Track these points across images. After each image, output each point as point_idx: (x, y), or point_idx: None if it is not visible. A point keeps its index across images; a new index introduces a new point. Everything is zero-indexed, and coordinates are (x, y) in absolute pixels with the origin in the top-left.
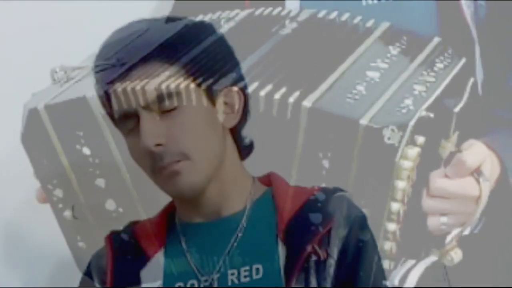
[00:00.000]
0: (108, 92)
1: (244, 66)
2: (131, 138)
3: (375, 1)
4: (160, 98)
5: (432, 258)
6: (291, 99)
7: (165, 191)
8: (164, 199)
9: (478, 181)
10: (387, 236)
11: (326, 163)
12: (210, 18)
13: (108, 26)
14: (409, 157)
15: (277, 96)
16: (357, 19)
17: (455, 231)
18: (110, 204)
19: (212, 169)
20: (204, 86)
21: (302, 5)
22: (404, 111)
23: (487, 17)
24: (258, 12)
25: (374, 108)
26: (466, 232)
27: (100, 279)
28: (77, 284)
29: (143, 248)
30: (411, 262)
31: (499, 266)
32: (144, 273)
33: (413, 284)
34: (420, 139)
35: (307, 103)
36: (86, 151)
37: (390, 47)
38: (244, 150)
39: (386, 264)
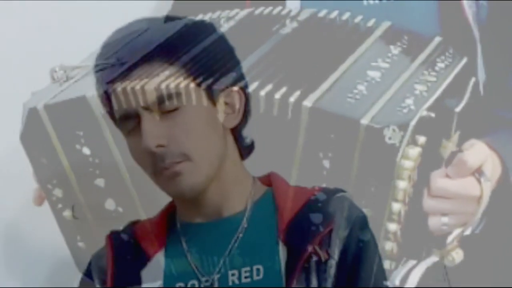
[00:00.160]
0: (107, 92)
1: (244, 66)
2: (132, 139)
3: (376, 1)
4: (161, 98)
5: (433, 259)
6: (292, 99)
7: (166, 191)
8: (163, 199)
9: (479, 181)
10: (388, 236)
11: (326, 163)
12: (210, 17)
13: (107, 26)
14: (410, 157)
15: (277, 95)
16: (358, 19)
17: (456, 231)
18: (110, 204)
19: (213, 170)
20: (204, 85)
21: (303, 5)
22: (405, 111)
23: (489, 17)
24: (258, 11)
25: (375, 108)
26: (467, 232)
27: (100, 279)
28: (76, 284)
29: (143, 248)
30: (412, 262)
31: (500, 266)
32: (144, 273)
33: (414, 284)
34: (421, 139)
35: (307, 102)
36: (86, 150)
37: (391, 47)
38: (245, 150)
39: (387, 264)
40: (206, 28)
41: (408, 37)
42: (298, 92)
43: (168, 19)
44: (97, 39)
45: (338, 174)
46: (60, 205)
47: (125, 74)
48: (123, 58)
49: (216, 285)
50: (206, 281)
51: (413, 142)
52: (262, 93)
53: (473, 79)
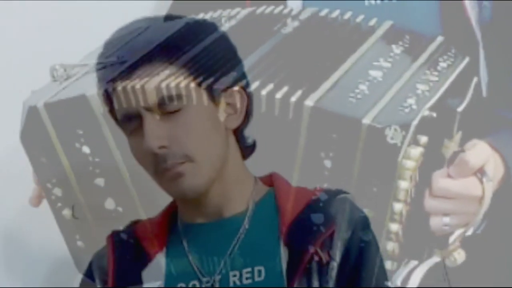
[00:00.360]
0: (108, 91)
1: (245, 65)
2: (133, 139)
3: (378, 1)
4: (162, 99)
5: (435, 259)
6: (293, 99)
7: (168, 192)
8: (163, 199)
9: (481, 181)
10: (390, 236)
11: (328, 163)
12: (211, 16)
13: (107, 25)
14: (412, 157)
15: (278, 95)
16: (359, 18)
17: (458, 232)
18: (110, 204)
19: (215, 171)
20: (204, 85)
21: (305, 5)
22: (407, 110)
23: (491, 17)
24: (259, 10)
25: (376, 107)
26: (469, 232)
27: (101, 279)
28: (76, 284)
29: (144, 248)
30: (413, 262)
31: (502, 266)
32: (145, 273)
33: (415, 285)
34: (423, 139)
35: (309, 102)
36: (86, 149)
37: (393, 46)
38: (247, 150)
39: (388, 264)
40: (207, 27)
41: (410, 36)
42: (300, 91)
43: (169, 18)
44: (97, 38)
45: (339, 174)
46: (59, 204)
47: (126, 73)
48: (123, 57)
49: (217, 285)
50: (207, 281)
51: (415, 142)
52: (263, 92)
53: (475, 79)
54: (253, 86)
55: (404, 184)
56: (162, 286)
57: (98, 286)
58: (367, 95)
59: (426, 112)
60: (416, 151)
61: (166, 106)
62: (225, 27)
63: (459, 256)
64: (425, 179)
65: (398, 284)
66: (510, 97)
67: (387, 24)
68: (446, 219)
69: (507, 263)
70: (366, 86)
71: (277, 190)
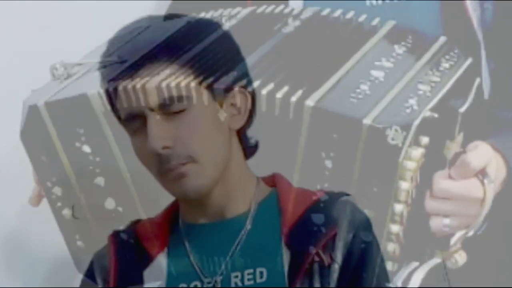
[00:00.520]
0: (109, 90)
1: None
2: (137, 138)
3: (379, 2)
4: (164, 100)
5: (436, 260)
6: (294, 98)
7: (171, 192)
8: (164, 199)
9: (482, 183)
10: (390, 237)
11: (329, 163)
12: (212, 15)
13: (106, 25)
14: (413, 158)
15: (279, 95)
16: (362, 18)
17: (459, 234)
18: (110, 203)
19: (218, 172)
20: (204, 84)
21: (306, 5)
22: (408, 111)
23: (493, 19)
24: (260, 9)
25: (378, 107)
26: (470, 233)
27: (103, 278)
28: (75, 284)
29: (146, 248)
30: (414, 263)
31: (504, 268)
32: (147, 273)
33: (416, 285)
34: (425, 140)
35: (310, 102)
36: (86, 149)
37: (396, 46)
38: (249, 150)
39: (389, 265)
40: (209, 26)
41: (413, 36)
42: (300, 91)
43: (170, 17)
44: (96, 37)
45: (340, 174)
46: (59, 204)
47: (126, 72)
48: (124, 56)
49: (218, 286)
50: (209, 282)
51: (416, 142)
52: (264, 92)
53: (477, 80)
54: (254, 85)
55: (405, 185)
56: (163, 286)
57: (99, 286)
58: (368, 95)
59: (427, 113)
60: (417, 152)
61: (170, 107)
62: (225, 26)
63: (461, 257)
64: (426, 180)
65: (399, 285)
66: None
67: (390, 24)
68: (447, 221)
69: (508, 265)
70: (367, 86)
71: (280, 191)
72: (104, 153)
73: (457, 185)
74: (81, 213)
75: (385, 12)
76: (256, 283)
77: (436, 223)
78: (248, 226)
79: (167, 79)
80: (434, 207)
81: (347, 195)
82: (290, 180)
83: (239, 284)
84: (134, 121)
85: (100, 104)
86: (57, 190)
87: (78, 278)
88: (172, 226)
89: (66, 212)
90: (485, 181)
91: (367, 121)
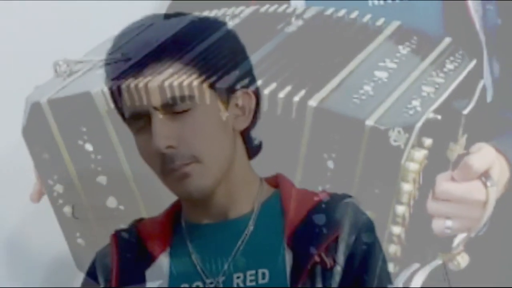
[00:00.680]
0: (113, 88)
1: (248, 64)
2: (141, 137)
3: (381, 2)
4: (171, 100)
5: (438, 262)
6: (296, 98)
7: (174, 192)
8: (166, 198)
9: (485, 185)
10: (392, 239)
11: (331, 164)
12: (215, 14)
13: (106, 23)
14: (415, 159)
15: (281, 94)
16: (366, 18)
17: (461, 236)
18: (111, 202)
19: (222, 172)
20: (206, 83)
21: (308, 5)
22: (411, 112)
23: (496, 20)
24: (263, 9)
25: (380, 109)
26: (471, 235)
27: (105, 277)
28: (75, 284)
29: (148, 248)
30: (416, 264)
31: (506, 271)
32: (149, 273)
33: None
34: (428, 141)
35: (312, 102)
36: (89, 147)
37: (400, 47)
38: (253, 150)
39: (390, 267)
40: (213, 25)
41: (418, 37)
42: (303, 91)
43: (174, 15)
44: (96, 36)
45: (342, 175)
46: (60, 201)
47: (131, 71)
48: (128, 54)
49: (220, 287)
50: (211, 283)
51: (418, 144)
52: (266, 91)
53: (482, 81)
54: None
55: (407, 187)
56: (164, 286)
57: (101, 285)
58: (371, 96)
59: (430, 115)
60: (420, 154)
61: (173, 106)
62: (229, 25)
63: (463, 260)
64: (428, 182)
65: (400, 285)
66: None
67: (395, 24)
68: (449, 223)
69: (511, 268)
70: (370, 87)
71: (283, 192)
72: (106, 152)
73: (460, 188)
74: (82, 212)
75: (387, 13)
76: (258, 284)
77: (438, 225)
78: (251, 227)
79: (171, 78)
80: (436, 209)
81: (350, 197)
82: (292, 180)
83: (241, 285)
84: (138, 120)
85: (103, 103)
86: (59, 188)
87: (78, 278)
88: (175, 226)
89: (67, 210)
90: (488, 183)
91: (369, 122)
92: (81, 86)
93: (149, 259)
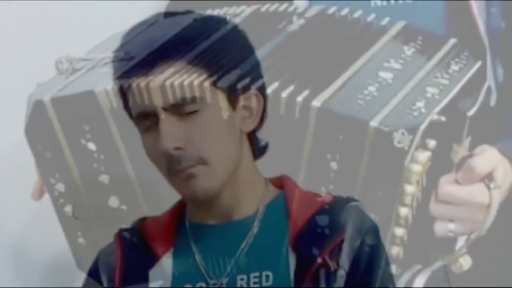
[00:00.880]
0: (123, 87)
1: (249, 63)
2: (148, 137)
3: (384, 2)
4: (180, 100)
5: (440, 264)
6: (300, 98)
7: (180, 193)
8: (168, 198)
9: (488, 188)
10: (395, 241)
11: (334, 165)
12: (218, 13)
13: (104, 23)
14: (419, 161)
15: (284, 94)
16: (371, 17)
17: (464, 239)
18: (113, 201)
19: (228, 174)
20: (207, 82)
21: (310, 5)
22: (415, 114)
23: (499, 24)
24: (264, 8)
25: (385, 110)
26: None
27: (108, 276)
28: (75, 284)
29: (152, 248)
30: (417, 266)
31: (509, 274)
32: (152, 273)
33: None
34: (432, 143)
35: (316, 103)
36: (92, 146)
37: (405, 47)
38: (258, 151)
39: (392, 269)
40: (218, 23)
41: (423, 37)
42: (307, 91)
43: (176, 13)
44: (95, 35)
45: (345, 176)
46: (62, 200)
47: (139, 69)
48: (131, 53)
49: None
50: (214, 284)
51: (422, 146)
52: (268, 90)
53: (486, 83)
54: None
55: (410, 189)
56: (166, 286)
57: (104, 284)
58: (375, 97)
59: (435, 116)
60: (424, 156)
61: (182, 107)
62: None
63: (466, 262)
64: (432, 184)
65: (402, 285)
66: None
67: (400, 24)
68: (452, 226)
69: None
70: (375, 88)
71: (287, 194)
72: (109, 151)
73: (462, 190)
74: (82, 211)
75: (390, 13)
76: (262, 286)
77: (441, 228)
78: (255, 228)
79: (181, 78)
80: (439, 211)
81: (355, 200)
82: (295, 181)
83: (245, 286)
84: (145, 119)
85: (107, 101)
86: (60, 187)
87: (78, 278)
88: (178, 226)
89: (68, 209)
90: (491, 186)
91: (373, 123)
92: (84, 84)
93: (153, 259)
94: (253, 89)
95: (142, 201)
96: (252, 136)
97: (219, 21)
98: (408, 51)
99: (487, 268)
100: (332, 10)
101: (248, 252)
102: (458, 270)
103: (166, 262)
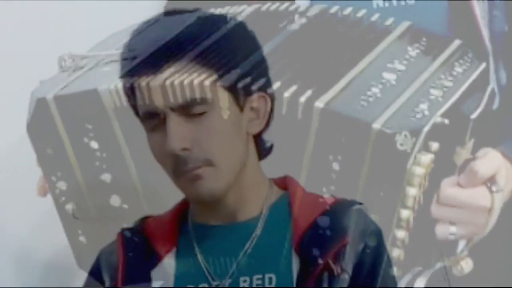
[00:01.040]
0: (133, 85)
1: (250, 63)
2: (154, 136)
3: (386, 3)
4: (189, 100)
5: (440, 265)
6: (302, 99)
7: (185, 193)
8: (170, 198)
9: (491, 191)
10: (396, 243)
11: (336, 166)
12: (219, 12)
13: (103, 23)
14: (421, 164)
15: (286, 94)
16: (375, 17)
17: (465, 242)
18: (115, 200)
19: (233, 176)
20: (208, 82)
21: (312, 5)
22: (418, 116)
23: (502, 27)
24: (265, 7)
25: (388, 111)
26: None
27: (110, 276)
28: (75, 284)
29: (154, 247)
30: (418, 268)
31: (510, 277)
32: (154, 273)
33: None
34: (434, 146)
35: (319, 103)
36: (94, 144)
37: (409, 48)
38: (264, 152)
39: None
40: (214, 24)
41: (427, 38)
42: (309, 92)
43: (177, 12)
44: (94, 35)
45: (347, 178)
46: (63, 198)
47: (145, 68)
48: (134, 51)
49: None
50: (217, 285)
51: (425, 148)
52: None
53: (490, 86)
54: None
55: (412, 191)
56: (168, 286)
57: (106, 283)
58: (379, 98)
59: (438, 119)
60: (427, 158)
61: (191, 108)
62: (230, 23)
63: (467, 265)
64: (434, 186)
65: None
66: None
67: (405, 25)
68: (453, 228)
69: None
70: (378, 89)
71: (291, 195)
72: (112, 150)
73: (464, 193)
74: (84, 210)
75: (391, 15)
76: None
77: (442, 231)
78: (259, 230)
79: (172, 77)
80: (440, 214)
81: (359, 203)
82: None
83: None
84: (153, 118)
85: (110, 100)
86: (62, 185)
87: (78, 277)
88: (181, 226)
89: (70, 207)
90: (494, 189)
91: (376, 125)
92: (88, 82)
93: (155, 259)
94: (261, 91)
95: (144, 201)
96: (258, 138)
97: (224, 19)
98: (412, 52)
99: (488, 271)
100: (334, 9)
101: (251, 254)
102: (459, 273)
103: (169, 262)
